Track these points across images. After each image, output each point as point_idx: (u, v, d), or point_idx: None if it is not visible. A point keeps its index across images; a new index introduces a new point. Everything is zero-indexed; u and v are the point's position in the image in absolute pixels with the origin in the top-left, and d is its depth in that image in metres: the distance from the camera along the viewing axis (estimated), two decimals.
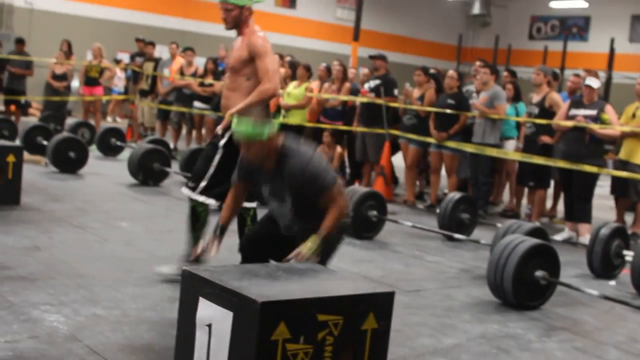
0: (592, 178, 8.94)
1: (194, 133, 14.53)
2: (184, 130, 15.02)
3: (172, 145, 13.26)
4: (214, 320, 3.19)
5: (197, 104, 13.81)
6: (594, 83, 8.89)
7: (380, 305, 3.37)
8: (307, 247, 4.17)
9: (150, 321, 4.54)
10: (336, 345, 3.22)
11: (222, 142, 5.39)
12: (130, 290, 5.13)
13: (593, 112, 8.80)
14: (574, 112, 8.94)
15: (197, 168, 5.55)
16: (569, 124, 8.87)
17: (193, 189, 5.46)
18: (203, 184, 5.41)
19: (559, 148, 9.14)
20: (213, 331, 3.19)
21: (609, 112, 8.81)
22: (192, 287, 3.34)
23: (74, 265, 5.60)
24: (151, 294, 5.09)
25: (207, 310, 3.23)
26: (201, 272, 3.34)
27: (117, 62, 20.41)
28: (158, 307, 4.81)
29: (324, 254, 4.32)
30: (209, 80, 13.65)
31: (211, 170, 5.40)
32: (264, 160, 4.33)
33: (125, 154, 11.63)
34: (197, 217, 5.51)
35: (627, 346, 5.13)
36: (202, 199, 5.41)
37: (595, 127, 8.70)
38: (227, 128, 5.24)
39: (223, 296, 3.16)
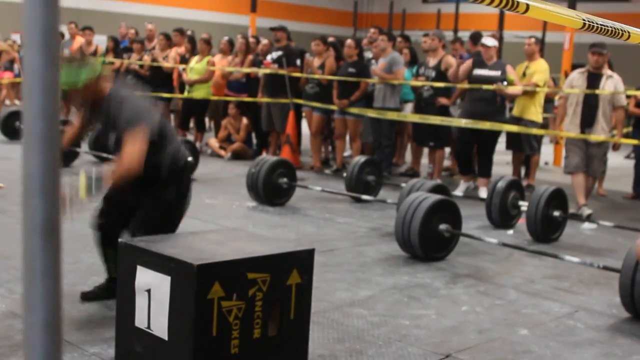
0: (496, 135, 9.49)
1: None
2: None
3: None
4: (153, 285, 3.46)
5: None
6: (489, 41, 9.39)
7: (302, 261, 3.71)
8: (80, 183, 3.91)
9: None
10: (265, 300, 3.54)
11: None
12: None
13: (497, 73, 9.27)
14: (478, 71, 9.40)
15: None
16: (481, 86, 9.31)
17: None
18: None
19: (465, 108, 9.60)
20: (152, 295, 3.46)
21: (511, 73, 9.34)
22: (130, 256, 3.59)
23: (0, 249, 5.75)
24: (79, 269, 5.29)
25: (145, 277, 3.50)
26: (137, 243, 3.60)
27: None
28: (88, 281, 5.02)
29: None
30: (110, 58, 13.68)
31: None
32: (88, 106, 4.22)
33: None
34: None
35: (524, 287, 5.63)
36: None
37: (508, 88, 9.20)
38: None
39: (160, 263, 3.43)
